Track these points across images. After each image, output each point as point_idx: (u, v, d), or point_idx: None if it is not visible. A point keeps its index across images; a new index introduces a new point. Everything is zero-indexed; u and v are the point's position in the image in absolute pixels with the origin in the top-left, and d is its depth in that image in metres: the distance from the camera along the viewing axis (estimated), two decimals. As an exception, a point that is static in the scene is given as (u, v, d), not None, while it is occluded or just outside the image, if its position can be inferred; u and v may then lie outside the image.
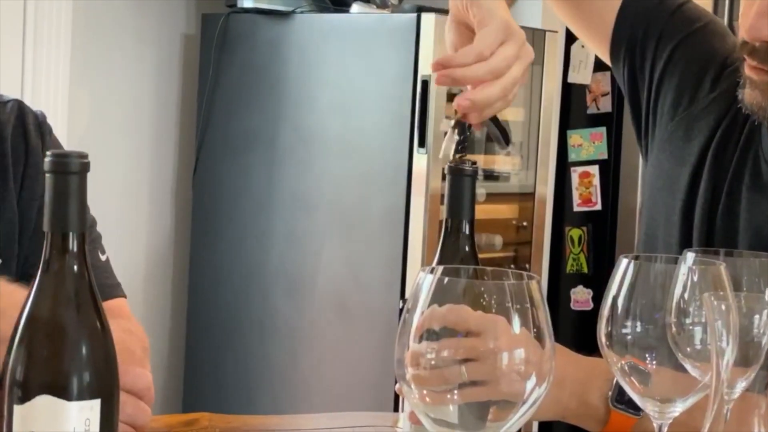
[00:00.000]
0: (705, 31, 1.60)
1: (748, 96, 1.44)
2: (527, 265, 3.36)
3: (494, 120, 1.36)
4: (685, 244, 1.48)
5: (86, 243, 0.87)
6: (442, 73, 1.29)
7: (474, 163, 1.25)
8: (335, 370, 3.20)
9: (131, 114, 3.53)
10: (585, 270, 3.73)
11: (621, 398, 1.23)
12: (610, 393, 1.25)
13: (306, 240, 3.26)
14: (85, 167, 0.86)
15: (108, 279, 1.49)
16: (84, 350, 0.86)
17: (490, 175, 3.34)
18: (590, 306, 3.68)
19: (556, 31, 3.32)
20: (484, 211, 3.21)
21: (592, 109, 3.72)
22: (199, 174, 3.53)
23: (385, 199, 3.09)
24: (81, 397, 0.85)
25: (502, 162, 3.38)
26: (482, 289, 0.88)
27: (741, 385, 0.90)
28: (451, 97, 2.94)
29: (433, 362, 0.89)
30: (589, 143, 3.71)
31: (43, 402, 0.84)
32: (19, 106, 1.52)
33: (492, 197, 3.26)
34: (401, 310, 0.89)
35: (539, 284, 0.87)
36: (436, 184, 3.01)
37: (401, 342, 0.88)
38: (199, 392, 3.55)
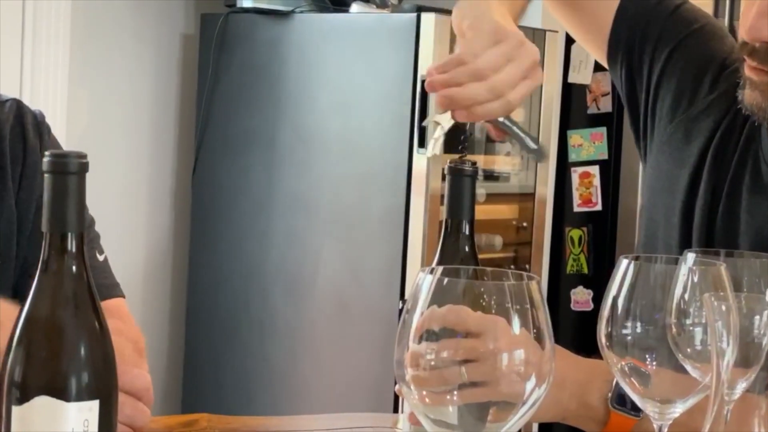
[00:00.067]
0: (703, 32, 1.60)
1: (747, 97, 1.43)
2: (527, 266, 3.35)
3: (516, 126, 1.33)
4: (685, 245, 1.48)
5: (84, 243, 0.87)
6: (427, 81, 1.28)
7: (474, 163, 1.25)
8: (335, 371, 3.20)
9: (130, 114, 3.53)
10: (585, 270, 3.72)
11: (621, 401, 1.23)
12: (609, 394, 1.25)
13: (306, 240, 3.26)
14: (83, 167, 0.86)
15: (106, 279, 1.48)
16: (83, 351, 0.85)
17: (490, 176, 3.33)
18: (590, 307, 3.67)
19: (557, 31, 3.32)
20: (484, 211, 3.20)
21: (592, 109, 3.72)
22: (198, 174, 3.53)
23: (384, 200, 3.09)
24: (80, 397, 0.85)
25: (502, 162, 3.37)
26: (482, 289, 0.88)
27: (741, 386, 0.89)
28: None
29: (432, 363, 0.88)
30: (589, 143, 3.70)
31: (42, 403, 0.84)
32: (18, 106, 1.52)
33: (492, 197, 3.26)
34: (401, 311, 0.89)
35: (539, 285, 0.87)
36: (436, 184, 3.01)
37: (401, 343, 0.88)
38: (198, 392, 3.55)
